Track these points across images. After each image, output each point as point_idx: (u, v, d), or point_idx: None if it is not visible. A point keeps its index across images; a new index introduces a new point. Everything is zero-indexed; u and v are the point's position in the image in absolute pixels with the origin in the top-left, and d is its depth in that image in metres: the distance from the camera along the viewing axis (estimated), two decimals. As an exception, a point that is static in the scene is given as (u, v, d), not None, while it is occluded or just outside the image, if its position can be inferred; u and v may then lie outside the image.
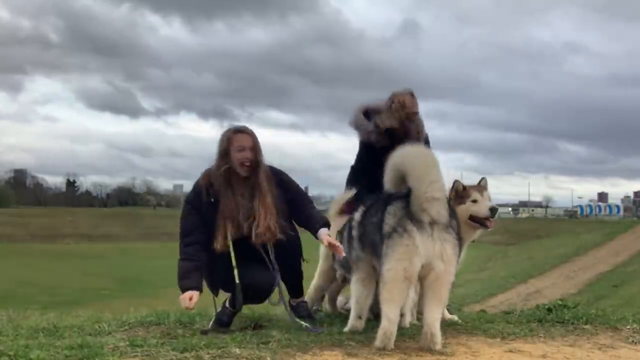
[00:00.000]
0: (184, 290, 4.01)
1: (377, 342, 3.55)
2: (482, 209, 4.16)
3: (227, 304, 4.23)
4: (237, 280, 4.03)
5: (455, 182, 4.23)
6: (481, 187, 4.27)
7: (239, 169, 4.11)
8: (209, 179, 4.16)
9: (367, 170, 4.59)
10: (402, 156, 3.62)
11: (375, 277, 3.90)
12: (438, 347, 3.51)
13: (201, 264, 4.08)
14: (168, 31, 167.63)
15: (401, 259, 3.47)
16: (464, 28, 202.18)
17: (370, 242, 3.77)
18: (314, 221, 4.21)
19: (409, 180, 3.53)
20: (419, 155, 3.58)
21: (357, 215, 4.03)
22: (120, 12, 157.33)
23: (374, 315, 4.72)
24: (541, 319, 4.51)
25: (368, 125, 4.73)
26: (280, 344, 3.56)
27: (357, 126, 4.84)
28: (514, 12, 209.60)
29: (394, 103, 4.64)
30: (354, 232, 4.00)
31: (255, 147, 4.14)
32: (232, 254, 4.05)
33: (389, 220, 3.58)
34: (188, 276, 4.05)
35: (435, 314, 3.54)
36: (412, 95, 4.70)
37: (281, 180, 4.30)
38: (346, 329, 4.02)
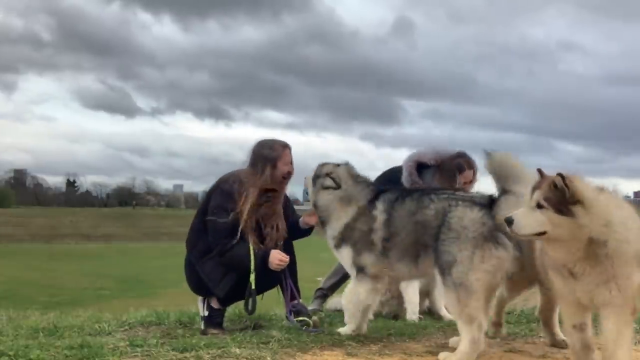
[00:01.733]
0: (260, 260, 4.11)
1: (469, 350, 3.31)
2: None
3: (213, 305, 4.22)
4: (253, 287, 4.08)
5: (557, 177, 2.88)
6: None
7: (279, 180, 4.28)
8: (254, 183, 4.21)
9: None
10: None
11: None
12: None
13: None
14: (160, 30, 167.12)
15: (490, 271, 3.36)
16: (457, 26, 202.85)
17: (410, 243, 3.63)
18: (294, 221, 4.45)
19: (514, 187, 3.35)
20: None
21: (380, 214, 3.79)
22: (111, 10, 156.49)
23: (393, 316, 4.72)
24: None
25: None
26: (280, 344, 3.57)
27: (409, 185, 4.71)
28: (507, 10, 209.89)
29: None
30: (380, 233, 3.74)
31: (293, 163, 4.40)
32: (252, 258, 4.09)
33: (474, 226, 3.40)
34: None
35: None
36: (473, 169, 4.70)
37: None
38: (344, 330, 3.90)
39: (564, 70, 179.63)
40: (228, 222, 4.10)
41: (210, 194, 4.32)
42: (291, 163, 4.37)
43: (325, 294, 5.24)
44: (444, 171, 4.68)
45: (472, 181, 4.73)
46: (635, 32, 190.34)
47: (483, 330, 3.38)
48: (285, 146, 4.36)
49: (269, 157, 4.26)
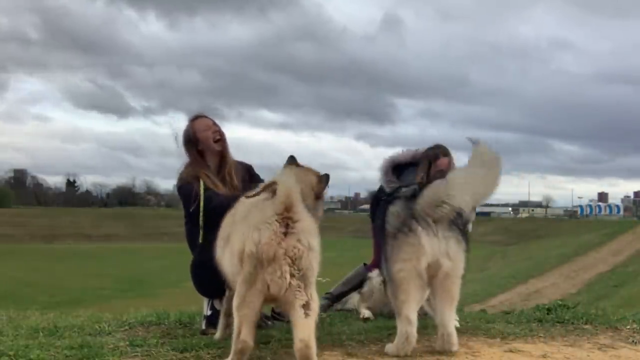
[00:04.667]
0: None
1: (396, 349, 3.42)
2: None
3: (216, 305, 4.23)
4: (200, 240, 4.07)
5: None
6: None
7: (211, 145, 4.27)
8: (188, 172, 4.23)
9: None
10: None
11: None
12: (455, 348, 3.49)
13: None
14: (147, 27, 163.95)
15: (409, 259, 3.44)
16: (446, 24, 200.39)
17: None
18: None
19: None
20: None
21: None
22: (96, 7, 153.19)
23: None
24: (541, 319, 4.51)
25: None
26: (280, 344, 3.56)
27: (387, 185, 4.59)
28: (495, 7, 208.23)
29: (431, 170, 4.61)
30: None
31: (216, 123, 4.34)
32: (201, 214, 4.07)
33: (392, 221, 3.55)
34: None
35: (449, 314, 3.53)
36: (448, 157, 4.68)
37: (248, 169, 4.48)
38: None
39: (556, 68, 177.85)
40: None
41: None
42: (215, 124, 4.31)
43: (332, 299, 5.27)
44: (420, 162, 4.62)
45: (447, 168, 4.70)
46: (626, 30, 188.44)
47: (412, 324, 3.41)
48: (195, 117, 4.33)
49: (186, 137, 4.27)
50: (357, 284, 5.18)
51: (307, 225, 3.01)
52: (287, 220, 2.94)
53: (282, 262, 2.90)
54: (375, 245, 5.20)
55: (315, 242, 3.01)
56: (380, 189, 4.88)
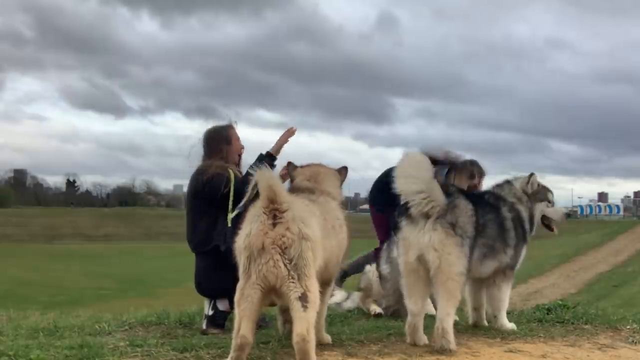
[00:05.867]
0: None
1: (407, 338, 3.70)
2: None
3: (219, 306, 4.23)
4: (229, 224, 4.18)
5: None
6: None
7: (235, 157, 4.55)
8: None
9: None
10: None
11: None
12: (452, 346, 3.48)
13: None
14: (142, 26, 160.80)
15: (402, 253, 3.63)
16: (442, 23, 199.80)
17: None
18: None
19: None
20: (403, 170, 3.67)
21: None
22: (90, 6, 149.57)
23: (392, 312, 4.77)
24: (541, 319, 4.52)
25: None
26: (280, 344, 3.57)
27: None
28: (491, 6, 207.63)
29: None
30: None
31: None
32: (231, 198, 4.20)
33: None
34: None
35: (445, 309, 3.53)
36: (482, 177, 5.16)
37: None
38: None
39: (553, 68, 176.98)
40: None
41: (198, 191, 4.33)
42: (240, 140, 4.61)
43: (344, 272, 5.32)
44: (463, 172, 4.98)
45: (477, 187, 4.97)
46: (622, 29, 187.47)
47: (413, 314, 3.65)
48: (231, 126, 4.62)
49: (224, 136, 4.51)
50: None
51: (299, 214, 3.02)
52: (274, 212, 2.98)
53: (271, 251, 2.93)
54: (378, 227, 5.32)
55: (309, 230, 3.01)
56: (387, 174, 5.03)
